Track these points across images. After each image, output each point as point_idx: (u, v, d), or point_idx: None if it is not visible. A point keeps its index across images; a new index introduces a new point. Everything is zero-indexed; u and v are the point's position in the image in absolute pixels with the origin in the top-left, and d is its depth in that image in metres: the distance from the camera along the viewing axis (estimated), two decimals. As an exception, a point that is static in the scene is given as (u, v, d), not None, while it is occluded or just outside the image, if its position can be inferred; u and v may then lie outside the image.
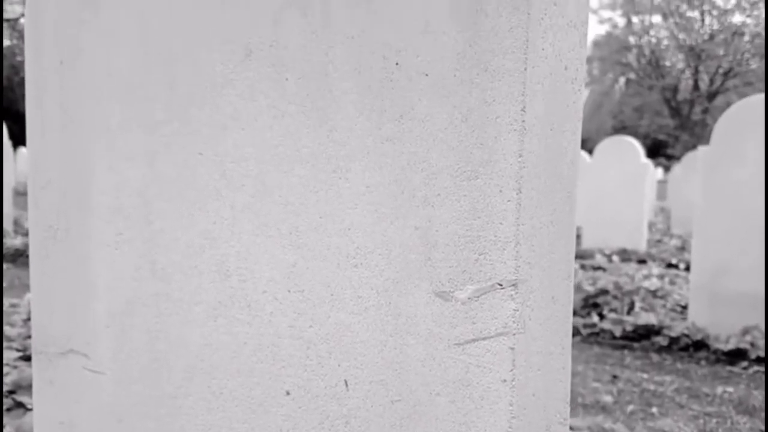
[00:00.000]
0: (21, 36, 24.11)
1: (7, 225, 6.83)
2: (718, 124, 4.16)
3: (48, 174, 0.98)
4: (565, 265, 0.75)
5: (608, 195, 7.92)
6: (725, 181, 4.04)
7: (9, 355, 2.55)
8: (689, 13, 34.33)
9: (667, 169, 28.11)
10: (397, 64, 0.70)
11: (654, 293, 5.02)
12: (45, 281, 0.99)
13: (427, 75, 0.69)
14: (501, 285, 0.65)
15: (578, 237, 8.56)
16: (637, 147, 7.93)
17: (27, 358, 2.59)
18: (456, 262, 0.68)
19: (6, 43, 24.22)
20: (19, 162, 14.80)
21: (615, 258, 6.90)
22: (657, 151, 33.55)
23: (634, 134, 34.44)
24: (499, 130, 0.65)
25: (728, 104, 34.11)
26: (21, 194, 11.77)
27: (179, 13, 0.84)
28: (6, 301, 3.61)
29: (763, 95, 4.02)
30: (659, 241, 8.92)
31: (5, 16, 22.39)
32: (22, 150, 15.61)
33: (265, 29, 0.78)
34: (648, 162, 8.23)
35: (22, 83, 24.40)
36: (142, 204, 0.89)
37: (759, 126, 3.97)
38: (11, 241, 6.31)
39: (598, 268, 6.17)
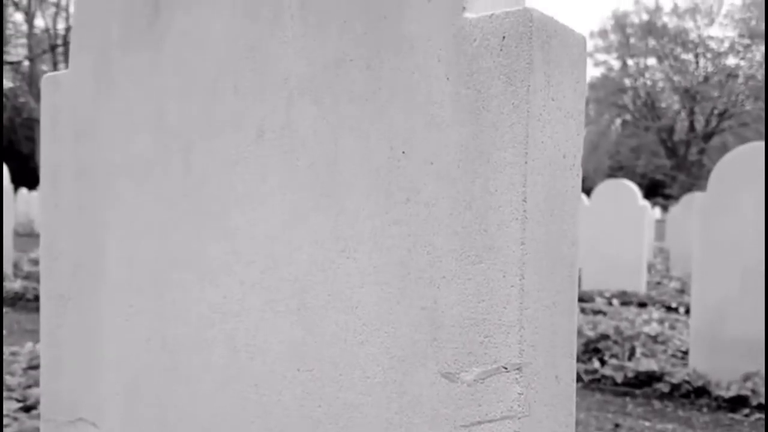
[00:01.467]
0: (23, 78, 24.45)
1: (7, 268, 6.83)
2: (713, 173, 4.21)
3: (60, 245, 1.01)
4: (568, 343, 0.77)
5: (607, 237, 7.95)
6: (722, 229, 4.07)
7: (9, 406, 2.54)
8: (684, 56, 34.90)
9: (665, 208, 28.21)
10: (403, 152, 0.74)
11: (654, 338, 5.01)
12: (55, 350, 1.01)
13: (432, 163, 0.72)
14: (506, 368, 0.68)
15: (578, 278, 8.54)
16: (635, 190, 7.99)
17: (27, 409, 2.58)
18: (461, 344, 0.70)
19: (8, 84, 24.54)
20: (19, 203, 14.84)
21: (615, 301, 6.88)
22: (655, 190, 33.72)
23: (632, 174, 34.68)
24: (502, 218, 0.68)
25: (724, 145, 34.45)
26: (21, 235, 11.78)
27: (195, 97, 0.88)
28: (6, 349, 3.60)
29: (756, 143, 4.09)
30: (659, 283, 8.91)
31: (8, 59, 22.73)
32: (22, 191, 15.67)
33: (278, 114, 0.82)
34: (646, 204, 8.28)
35: (24, 124, 24.64)
36: (154, 277, 0.91)
37: (753, 174, 4.02)
38: (10, 285, 6.30)
39: (599, 311, 6.17)
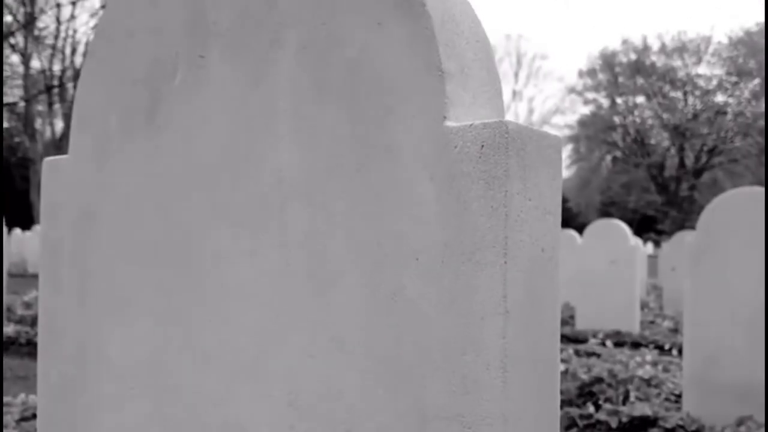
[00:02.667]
0: (19, 118, 24.61)
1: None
2: (701, 217, 4.27)
3: (59, 326, 1.04)
4: (550, 427, 0.80)
5: (599, 276, 7.99)
6: (711, 273, 4.11)
7: (-1, 463, 2.52)
8: (672, 94, 35.46)
9: (657, 244, 28.32)
10: (390, 248, 0.78)
11: (648, 382, 5.00)
12: (54, 429, 1.02)
13: (417, 260, 0.76)
14: (489, 461, 0.70)
15: (571, 318, 8.57)
16: (625, 230, 8.06)
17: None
18: (446, 435, 0.73)
19: (4, 125, 24.70)
20: (12, 242, 14.81)
21: (608, 342, 6.89)
22: (647, 226, 33.87)
23: (623, 210, 34.84)
24: (484, 313, 0.72)
25: (715, 181, 34.73)
26: (13, 276, 11.73)
27: (193, 192, 0.92)
28: (-3, 400, 3.57)
29: (743, 189, 4.16)
30: (652, 322, 8.92)
31: (5, 99, 22.93)
32: (16, 231, 15.64)
33: (273, 212, 0.86)
34: (637, 244, 8.34)
35: (18, 164, 24.69)
36: (153, 362, 0.94)
37: (741, 218, 4.09)
38: (4, 329, 6.26)
39: (592, 353, 6.17)
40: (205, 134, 0.92)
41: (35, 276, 11.89)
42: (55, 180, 1.05)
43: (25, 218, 23.19)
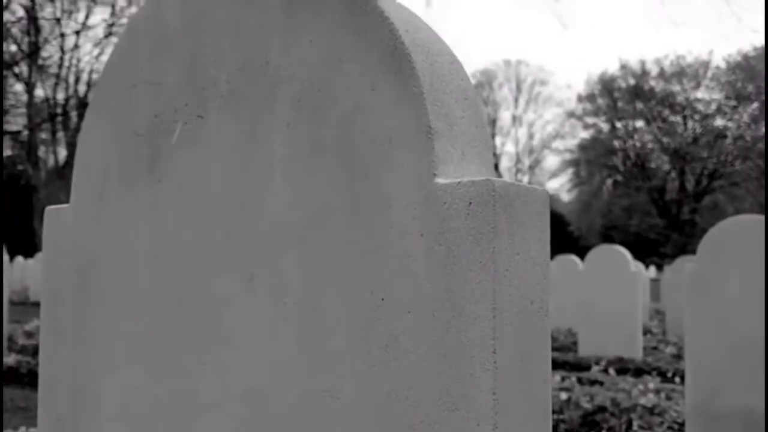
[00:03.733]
0: (23, 146, 24.79)
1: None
2: (701, 245, 4.28)
3: (58, 369, 1.05)
4: (541, 478, 0.81)
5: (602, 302, 7.98)
6: (712, 301, 4.11)
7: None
8: (672, 118, 35.65)
9: (659, 267, 28.25)
10: (382, 299, 0.79)
11: (651, 410, 4.97)
12: (50, 475, 1.03)
13: (409, 312, 0.78)
14: None
15: (574, 344, 8.54)
16: (626, 256, 8.06)
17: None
18: (438, 487, 0.74)
19: (7, 153, 24.88)
20: (15, 270, 14.82)
21: (611, 370, 6.86)
22: (649, 249, 33.83)
23: (625, 233, 34.80)
24: (474, 368, 0.73)
25: (716, 204, 34.75)
26: (15, 304, 11.72)
27: (190, 238, 0.94)
28: (-4, 434, 3.56)
29: (742, 217, 4.17)
30: (655, 348, 8.87)
31: (8, 128, 23.13)
32: (18, 259, 15.67)
33: (267, 258, 0.88)
34: (638, 269, 8.33)
35: (22, 192, 24.81)
36: (146, 410, 0.95)
37: (740, 246, 4.09)
38: (4, 359, 6.25)
39: (595, 381, 6.13)
40: (202, 185, 0.94)
41: (37, 304, 11.88)
42: (56, 228, 1.07)
43: (28, 246, 23.23)
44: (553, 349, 8.10)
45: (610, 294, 7.92)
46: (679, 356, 7.98)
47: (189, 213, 0.95)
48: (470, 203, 0.74)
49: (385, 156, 0.80)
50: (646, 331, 10.33)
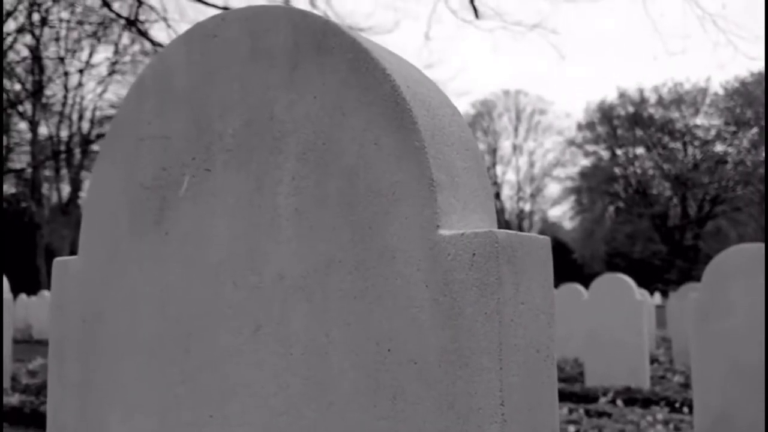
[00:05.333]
0: (26, 184, 24.93)
1: (4, 381, 6.74)
2: (704, 275, 4.28)
3: (65, 419, 1.06)
4: None
5: (607, 332, 7.93)
6: (717, 331, 4.09)
7: None
8: (672, 145, 35.80)
9: (664, 293, 28.11)
10: (389, 350, 0.80)
11: (660, 443, 4.91)
12: None
13: (415, 363, 0.78)
14: None
15: (581, 374, 8.46)
16: (631, 284, 8.03)
17: None
18: None
19: (11, 190, 25.03)
20: (18, 307, 14.79)
21: (619, 401, 6.79)
22: (654, 276, 33.68)
23: (629, 260, 34.68)
24: (482, 420, 0.74)
25: (719, 229, 34.70)
26: (18, 342, 11.67)
27: (197, 289, 0.95)
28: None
29: (744, 245, 4.17)
30: (662, 377, 8.79)
31: (11, 166, 23.31)
32: (21, 296, 15.64)
33: (274, 309, 0.89)
34: (643, 298, 8.30)
35: (25, 229, 24.87)
36: (156, 461, 0.95)
37: (744, 274, 4.09)
38: (8, 399, 6.21)
39: (603, 413, 6.07)
40: (209, 236, 0.96)
41: (40, 342, 11.82)
42: (64, 280, 1.08)
43: (32, 283, 23.20)
44: (560, 380, 8.02)
45: (616, 323, 7.88)
46: (686, 385, 7.91)
47: (196, 264, 0.96)
48: (474, 254, 0.75)
49: (389, 208, 0.82)
50: (653, 360, 10.24)
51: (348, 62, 0.85)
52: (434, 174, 0.80)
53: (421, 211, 0.79)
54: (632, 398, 7.18)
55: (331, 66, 0.86)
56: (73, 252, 26.71)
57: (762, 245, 4.10)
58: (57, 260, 1.10)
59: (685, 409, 6.42)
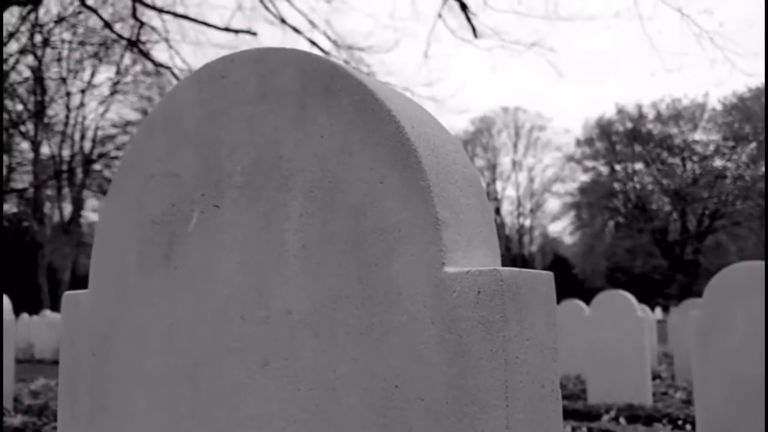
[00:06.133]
0: (28, 203, 24.98)
1: (6, 402, 6.72)
2: (705, 292, 4.29)
3: (77, 454, 1.07)
4: None
5: (609, 349, 7.92)
6: (718, 349, 4.09)
7: None
8: (671, 160, 35.90)
9: (665, 308, 28.04)
10: (396, 386, 0.82)
11: (664, 462, 4.89)
12: None
13: (422, 400, 0.80)
14: None
15: (583, 392, 8.44)
16: (632, 301, 8.03)
17: None
18: None
19: (13, 210, 25.09)
20: (19, 327, 14.75)
21: (622, 419, 6.77)
22: (654, 290, 33.61)
23: (629, 275, 34.63)
24: (488, 455, 0.75)
25: (719, 244, 34.69)
26: (20, 362, 11.63)
27: (205, 323, 0.97)
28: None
29: (744, 263, 4.18)
30: (665, 393, 8.77)
31: (14, 186, 23.38)
32: (23, 316, 15.62)
33: (282, 344, 0.90)
34: (645, 314, 8.29)
35: (27, 248, 24.88)
36: (166, 495, 0.96)
37: (744, 292, 4.10)
38: (10, 420, 6.18)
39: (606, 431, 6.05)
40: (217, 271, 0.97)
41: (42, 361, 11.80)
42: (74, 313, 1.10)
43: (33, 302, 23.17)
44: (563, 397, 8.00)
45: (618, 340, 7.87)
46: (689, 402, 7.88)
47: (204, 298, 0.98)
48: (479, 292, 0.77)
49: (395, 246, 0.84)
50: (656, 376, 10.21)
51: (354, 104, 0.88)
52: (439, 212, 0.82)
53: (427, 249, 0.81)
54: (635, 415, 7.16)
55: (338, 107, 0.89)
56: (74, 271, 26.72)
57: (762, 263, 4.12)
58: (67, 294, 1.12)
59: (688, 426, 6.40)
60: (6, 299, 7.48)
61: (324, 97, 0.90)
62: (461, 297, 0.78)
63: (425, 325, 0.80)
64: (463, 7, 11.22)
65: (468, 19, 11.30)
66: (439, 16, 11.49)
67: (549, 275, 0.86)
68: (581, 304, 10.05)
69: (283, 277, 0.92)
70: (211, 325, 0.97)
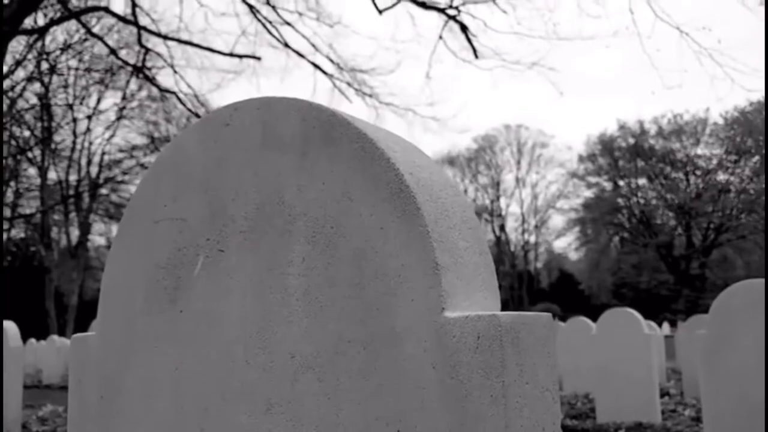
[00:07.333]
0: (35, 228, 25.11)
1: (15, 429, 6.70)
2: (711, 310, 4.28)
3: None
4: None
5: (617, 366, 7.88)
6: (725, 367, 4.08)
7: None
8: (674, 175, 35.87)
9: (673, 323, 27.86)
10: (398, 430, 0.83)
11: (674, 483, 4.85)
12: None
13: (425, 443, 0.81)
14: None
15: (592, 410, 8.39)
16: (639, 318, 8.00)
17: None
18: None
19: (21, 235, 25.23)
20: (27, 352, 14.76)
21: (631, 439, 6.71)
22: (661, 305, 33.42)
23: (636, 291, 34.46)
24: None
25: (725, 258, 34.55)
26: (28, 387, 11.61)
27: (210, 367, 0.99)
28: None
29: (748, 281, 4.18)
30: (674, 411, 8.70)
31: (22, 211, 23.53)
32: (31, 341, 15.62)
33: (285, 387, 0.92)
34: (652, 331, 8.26)
35: (34, 273, 24.94)
36: None
37: (749, 310, 4.09)
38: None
39: (615, 452, 6.00)
40: (222, 315, 0.99)
41: (50, 387, 11.76)
42: (82, 355, 1.12)
43: (41, 327, 23.18)
44: (572, 416, 7.95)
45: (625, 358, 7.84)
46: (698, 419, 7.82)
47: (210, 342, 1.00)
48: (479, 337, 0.79)
49: (395, 290, 0.85)
50: (664, 393, 10.14)
51: (354, 152, 0.90)
52: (438, 257, 0.84)
53: (427, 293, 0.83)
54: (645, 435, 7.10)
55: (338, 155, 0.91)
56: (81, 295, 26.74)
57: (763, 281, 4.11)
58: (75, 337, 1.14)
59: (698, 447, 6.34)
60: (13, 325, 7.49)
61: (325, 145, 0.92)
62: (461, 342, 0.80)
63: (426, 369, 0.82)
64: (464, 29, 11.33)
65: (469, 40, 11.40)
66: (440, 38, 11.59)
67: (548, 317, 0.88)
68: (588, 321, 10.01)
69: (286, 321, 0.94)
70: (216, 368, 0.98)
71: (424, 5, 11.26)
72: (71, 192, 24.70)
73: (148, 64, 13.00)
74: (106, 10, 11.60)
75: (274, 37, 11.89)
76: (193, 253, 1.03)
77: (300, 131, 0.95)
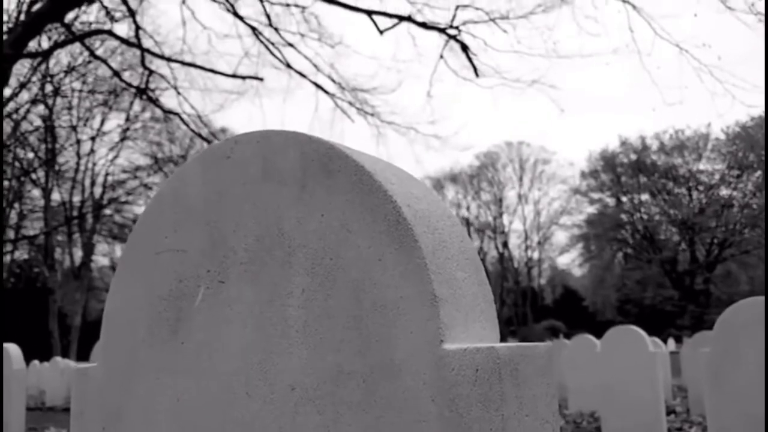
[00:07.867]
0: (39, 250, 25.18)
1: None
2: (715, 328, 4.27)
3: None
4: None
5: (622, 385, 7.83)
6: (730, 384, 4.05)
7: None
8: (676, 190, 35.87)
9: (678, 339, 27.71)
10: (399, 462, 0.83)
11: (682, 504, 4.80)
12: None
13: (425, 475, 0.81)
14: None
15: (598, 429, 8.33)
16: (644, 336, 7.96)
17: None
18: None
19: (24, 256, 25.29)
20: (30, 374, 14.71)
21: (637, 459, 6.65)
22: (666, 321, 33.26)
23: (640, 307, 34.30)
24: None
25: (729, 273, 34.42)
26: (31, 409, 11.56)
27: (210, 397, 0.99)
28: None
29: (752, 299, 4.17)
30: (680, 429, 8.64)
31: (26, 232, 23.61)
32: (34, 363, 15.58)
33: (286, 419, 0.92)
34: (657, 348, 8.22)
35: (38, 294, 24.95)
36: None
37: (753, 327, 4.07)
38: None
39: (621, 472, 5.95)
40: (223, 346, 1.00)
41: (53, 409, 11.70)
42: (84, 387, 1.12)
43: (44, 348, 23.14)
44: (577, 436, 7.89)
45: (631, 376, 7.79)
46: (706, 438, 7.76)
47: (210, 373, 1.00)
48: (477, 370, 0.79)
49: (394, 322, 0.86)
50: (670, 411, 10.06)
51: (352, 184, 0.91)
52: (436, 289, 0.84)
53: (425, 326, 0.84)
54: (651, 454, 7.04)
55: (337, 187, 0.92)
56: (85, 316, 26.72)
57: (763, 298, 4.11)
58: (77, 368, 1.14)
59: (706, 466, 6.29)
60: (15, 347, 7.47)
61: (323, 178, 0.94)
62: (460, 375, 0.80)
63: (425, 402, 0.82)
64: (464, 48, 11.41)
65: (469, 59, 11.48)
66: (441, 57, 11.68)
67: (546, 347, 0.88)
68: (593, 339, 9.97)
69: (286, 352, 0.94)
70: (217, 400, 0.99)
71: (424, 25, 11.36)
72: (75, 213, 24.81)
73: (152, 85, 13.10)
74: (110, 33, 11.72)
75: (276, 58, 12.00)
76: (194, 285, 1.04)
77: (299, 164, 0.96)
